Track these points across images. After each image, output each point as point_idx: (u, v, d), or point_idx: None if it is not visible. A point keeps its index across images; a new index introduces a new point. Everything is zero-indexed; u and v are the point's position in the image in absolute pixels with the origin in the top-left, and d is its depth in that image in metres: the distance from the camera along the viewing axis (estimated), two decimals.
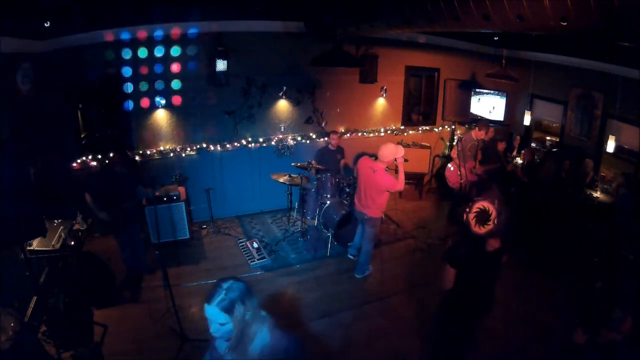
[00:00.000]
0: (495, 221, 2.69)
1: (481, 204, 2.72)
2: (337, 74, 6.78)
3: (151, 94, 5.80)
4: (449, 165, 6.44)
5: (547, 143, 7.37)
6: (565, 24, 2.40)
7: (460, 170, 5.83)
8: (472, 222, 2.71)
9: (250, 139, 6.55)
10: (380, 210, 4.82)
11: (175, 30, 5.64)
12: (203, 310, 1.77)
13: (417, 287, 4.93)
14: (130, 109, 5.79)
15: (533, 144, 7.48)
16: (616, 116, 5.99)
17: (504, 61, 6.94)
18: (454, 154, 6.06)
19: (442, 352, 3.33)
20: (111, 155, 5.21)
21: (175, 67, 5.81)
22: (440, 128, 8.09)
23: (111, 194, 4.43)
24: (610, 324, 2.49)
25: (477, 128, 6.08)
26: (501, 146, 6.86)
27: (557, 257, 5.26)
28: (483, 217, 2.69)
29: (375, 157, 4.75)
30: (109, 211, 4.43)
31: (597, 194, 5.91)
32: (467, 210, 2.78)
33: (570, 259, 5.12)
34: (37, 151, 4.81)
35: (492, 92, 7.37)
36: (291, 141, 6.82)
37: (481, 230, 2.69)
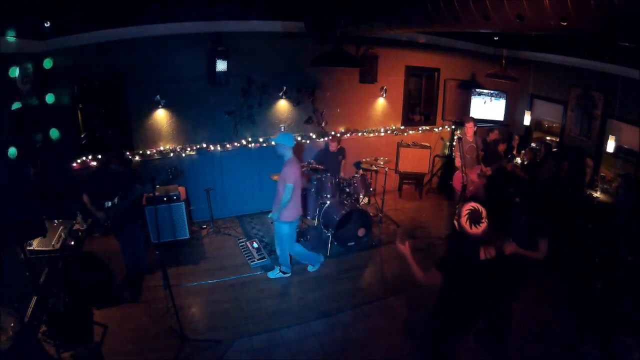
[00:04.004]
0: (487, 220, 2.66)
1: (470, 205, 2.68)
2: (337, 74, 6.78)
3: (151, 94, 5.80)
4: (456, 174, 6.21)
5: (546, 143, 7.36)
6: (565, 24, 2.40)
7: (463, 177, 5.78)
8: (467, 225, 2.66)
9: (250, 139, 6.55)
10: None
11: (176, 30, 5.64)
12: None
13: (417, 287, 4.90)
14: (130, 108, 5.79)
15: (533, 144, 7.49)
16: (616, 116, 6.00)
17: (504, 61, 6.94)
18: (457, 163, 5.86)
19: (442, 352, 3.32)
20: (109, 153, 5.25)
21: (175, 67, 5.81)
22: (440, 128, 8.09)
23: (108, 192, 4.43)
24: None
25: (465, 127, 6.00)
26: (502, 147, 6.86)
27: (557, 257, 5.25)
28: (476, 216, 2.64)
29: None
30: (106, 210, 4.42)
31: (597, 194, 5.91)
32: (457, 217, 2.72)
33: (570, 259, 5.12)
34: (37, 151, 4.81)
35: (494, 92, 7.37)
36: None
37: (478, 229, 2.64)
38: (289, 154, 4.61)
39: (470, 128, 5.95)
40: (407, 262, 2.93)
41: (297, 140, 4.59)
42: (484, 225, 2.64)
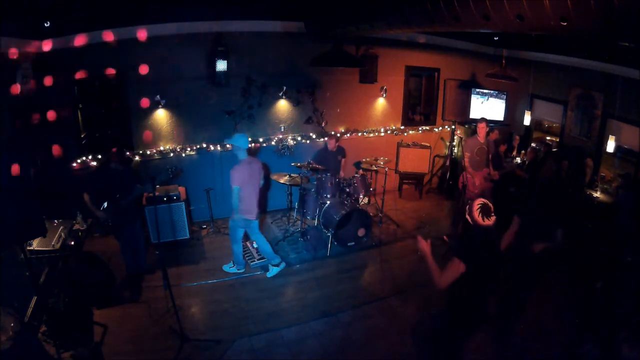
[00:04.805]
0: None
1: (480, 201, 2.89)
2: (337, 74, 6.78)
3: (151, 94, 5.80)
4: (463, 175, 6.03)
5: (546, 143, 7.37)
6: (565, 24, 2.40)
7: (463, 177, 5.74)
8: (480, 218, 2.82)
9: (250, 139, 6.55)
10: None
11: (176, 30, 5.64)
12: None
13: (417, 287, 4.93)
14: (130, 108, 5.79)
15: (533, 144, 7.49)
16: (616, 116, 5.99)
17: (504, 61, 6.95)
18: (466, 162, 5.80)
19: (442, 352, 3.33)
20: (109, 152, 5.27)
21: (175, 67, 5.81)
22: (440, 128, 8.09)
23: (109, 191, 4.43)
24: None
25: (478, 127, 5.94)
26: (502, 148, 6.85)
27: (557, 257, 5.26)
28: (486, 209, 2.84)
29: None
30: (106, 210, 4.42)
31: (597, 194, 5.91)
32: (468, 211, 2.90)
33: (570, 258, 5.12)
34: (37, 151, 4.81)
35: (494, 92, 7.37)
36: (291, 141, 6.83)
37: (490, 221, 2.82)
38: (242, 155, 4.62)
39: (482, 129, 5.86)
40: (426, 262, 2.96)
41: (251, 142, 4.62)
42: (494, 218, 2.83)
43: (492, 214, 2.84)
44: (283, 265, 5.21)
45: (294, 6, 5.82)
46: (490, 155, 6.00)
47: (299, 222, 6.31)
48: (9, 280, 3.51)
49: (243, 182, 4.58)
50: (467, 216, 2.91)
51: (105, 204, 4.39)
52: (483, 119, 5.97)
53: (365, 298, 4.79)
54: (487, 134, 6.09)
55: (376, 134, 7.54)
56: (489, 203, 2.87)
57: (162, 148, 6.11)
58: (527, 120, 7.67)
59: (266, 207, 6.86)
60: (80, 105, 5.55)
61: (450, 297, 3.02)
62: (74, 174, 5.52)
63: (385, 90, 7.35)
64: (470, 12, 2.98)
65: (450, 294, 2.99)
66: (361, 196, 6.18)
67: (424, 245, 2.98)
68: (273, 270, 5.15)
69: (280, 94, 6.53)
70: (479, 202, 2.89)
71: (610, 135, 6.00)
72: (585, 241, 5.21)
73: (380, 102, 7.44)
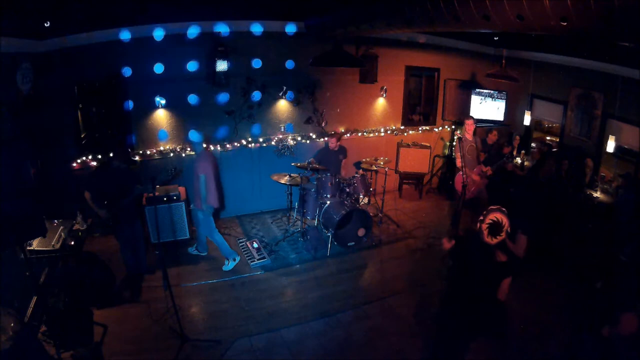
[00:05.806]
0: (508, 230, 2.76)
1: (494, 216, 2.80)
2: (337, 74, 6.78)
3: (151, 93, 5.80)
4: (457, 175, 6.06)
5: (546, 143, 7.36)
6: (565, 24, 2.40)
7: (463, 177, 5.75)
8: (485, 233, 2.79)
9: (250, 139, 6.55)
10: None
11: (175, 30, 5.64)
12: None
13: (417, 287, 4.93)
14: (130, 108, 5.79)
15: (534, 144, 7.48)
16: (616, 116, 5.99)
17: (504, 61, 6.94)
18: (459, 163, 5.78)
19: (442, 352, 3.33)
20: (111, 151, 5.29)
21: (175, 67, 5.81)
22: (440, 128, 8.09)
23: (109, 190, 4.43)
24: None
25: (465, 125, 5.99)
26: (506, 150, 6.84)
27: (557, 257, 5.26)
28: (496, 228, 2.78)
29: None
30: (108, 209, 4.43)
31: (597, 194, 5.91)
32: (481, 218, 2.85)
33: (570, 259, 5.12)
34: (37, 151, 4.82)
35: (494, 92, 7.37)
36: (291, 141, 6.82)
37: (493, 241, 2.78)
38: (199, 148, 5.08)
39: (470, 126, 5.93)
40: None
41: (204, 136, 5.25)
42: (500, 238, 2.78)
43: (501, 234, 2.76)
44: (235, 262, 5.36)
45: (294, 6, 5.83)
46: (478, 152, 6.03)
47: (299, 222, 6.31)
48: (9, 280, 3.51)
49: (208, 171, 4.89)
50: (478, 222, 2.87)
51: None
52: (470, 117, 6.06)
53: (365, 298, 4.79)
54: (486, 134, 6.11)
55: (376, 134, 7.54)
56: (502, 221, 2.77)
57: (162, 148, 6.10)
58: (527, 120, 7.67)
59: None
60: (80, 105, 5.55)
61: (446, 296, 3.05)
62: (74, 174, 5.53)
63: (385, 90, 7.35)
64: (470, 12, 2.98)
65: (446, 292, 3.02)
66: (361, 196, 6.18)
67: (449, 247, 3.10)
68: (230, 265, 5.31)
69: (280, 94, 6.53)
70: (493, 216, 2.80)
71: (610, 135, 6.00)
72: (585, 241, 5.21)
73: (380, 102, 7.44)
